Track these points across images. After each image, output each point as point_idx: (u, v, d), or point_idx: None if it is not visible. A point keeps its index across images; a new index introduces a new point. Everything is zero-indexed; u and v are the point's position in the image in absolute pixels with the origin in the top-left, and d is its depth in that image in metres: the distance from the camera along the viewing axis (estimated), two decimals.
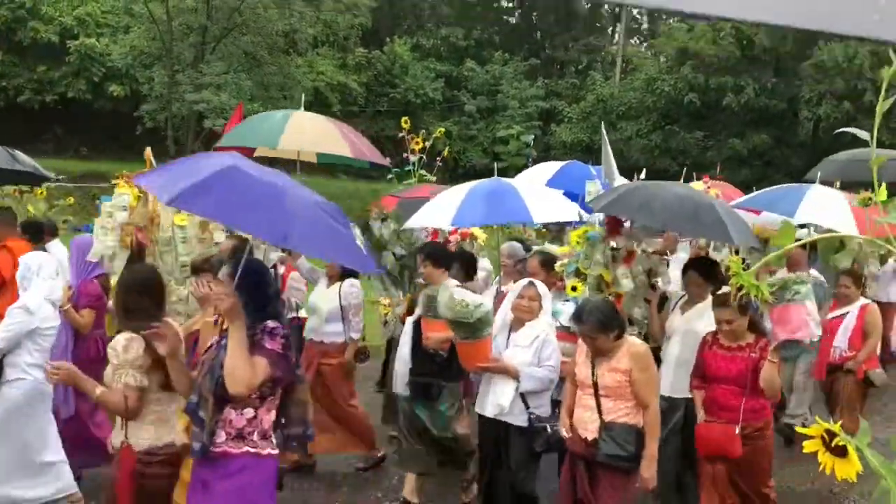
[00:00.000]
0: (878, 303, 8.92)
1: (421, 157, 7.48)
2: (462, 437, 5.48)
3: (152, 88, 27.25)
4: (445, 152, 8.31)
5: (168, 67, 26.94)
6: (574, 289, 5.24)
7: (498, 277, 7.04)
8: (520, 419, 4.72)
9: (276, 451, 3.50)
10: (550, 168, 8.91)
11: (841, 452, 1.56)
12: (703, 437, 4.73)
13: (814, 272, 7.36)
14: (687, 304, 5.49)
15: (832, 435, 1.55)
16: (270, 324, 3.38)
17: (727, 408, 4.62)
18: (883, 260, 9.05)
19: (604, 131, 6.75)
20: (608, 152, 6.13)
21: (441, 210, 6.33)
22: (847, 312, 6.89)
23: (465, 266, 6.30)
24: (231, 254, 5.76)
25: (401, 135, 7.77)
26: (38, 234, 6.61)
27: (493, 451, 4.90)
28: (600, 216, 5.46)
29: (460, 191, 6.46)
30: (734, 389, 4.61)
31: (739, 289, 1.78)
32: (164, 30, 26.53)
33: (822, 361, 7.05)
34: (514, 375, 4.68)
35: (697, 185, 10.04)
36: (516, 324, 4.86)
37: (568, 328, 5.09)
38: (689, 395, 5.02)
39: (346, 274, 6.16)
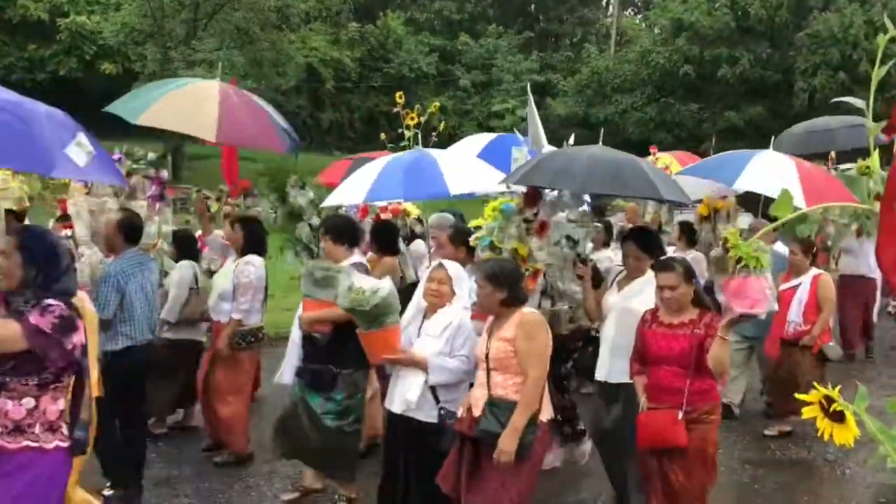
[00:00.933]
0: (855, 276, 8.88)
1: (416, 133, 7.43)
2: (351, 434, 4.99)
3: (145, 66, 27.03)
4: (441, 127, 8.28)
5: (160, 44, 26.69)
6: None
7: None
8: (429, 415, 4.24)
9: (66, 444, 3.12)
10: (482, 140, 8.65)
11: (839, 418, 1.59)
12: (644, 427, 4.24)
13: (779, 244, 7.09)
14: (625, 280, 4.98)
15: (830, 401, 1.57)
16: (49, 301, 3.03)
17: (670, 391, 4.16)
18: (860, 232, 8.70)
19: (530, 95, 6.22)
20: (535, 118, 5.79)
21: (356, 185, 5.92)
22: (799, 284, 6.62)
23: (383, 240, 5.96)
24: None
25: (395, 110, 7.72)
26: None
27: (401, 450, 4.42)
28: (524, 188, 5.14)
29: (379, 164, 6.06)
30: (677, 371, 4.14)
31: (738, 260, 1.79)
32: (155, 6, 26.25)
33: (774, 337, 6.70)
34: (423, 367, 4.21)
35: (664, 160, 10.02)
36: (429, 311, 4.38)
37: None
38: (628, 381, 4.54)
39: (247, 250, 5.67)
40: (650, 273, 4.46)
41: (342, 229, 5.19)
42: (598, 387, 5.10)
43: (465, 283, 4.40)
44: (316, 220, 6.07)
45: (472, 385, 4.23)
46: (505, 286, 3.97)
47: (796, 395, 5.48)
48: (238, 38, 27.98)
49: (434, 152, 6.19)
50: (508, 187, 5.26)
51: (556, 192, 5.25)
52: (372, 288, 4.22)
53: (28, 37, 28.80)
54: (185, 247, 6.27)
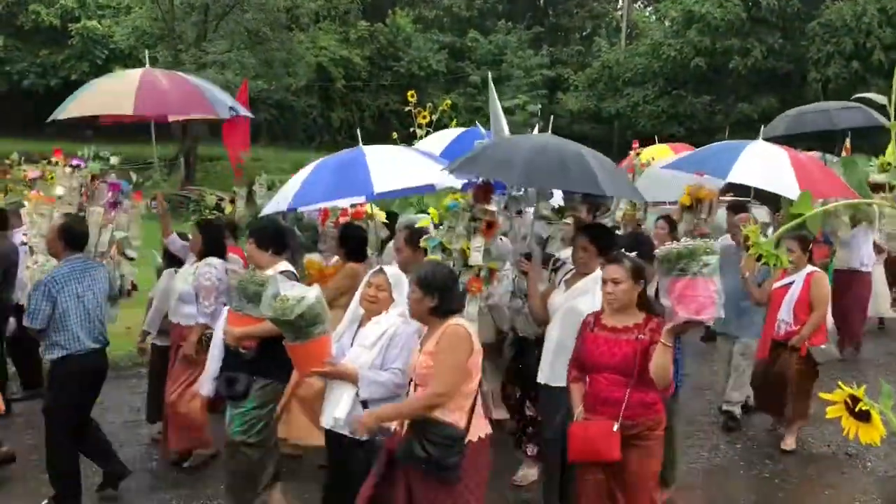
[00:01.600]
0: (848, 270, 8.64)
1: (428, 131, 7.41)
2: (254, 448, 4.61)
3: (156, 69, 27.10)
4: (452, 125, 8.26)
5: (171, 47, 26.77)
6: None
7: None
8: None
9: None
10: (449, 135, 8.66)
11: (864, 417, 1.57)
12: (576, 438, 3.86)
13: (727, 237, 6.89)
14: (574, 278, 4.69)
15: (856, 400, 1.55)
16: None
17: (609, 401, 3.79)
18: (854, 222, 8.54)
19: (491, 84, 5.88)
20: (496, 108, 5.51)
21: (285, 191, 5.64)
22: (792, 282, 6.30)
23: (350, 245, 5.73)
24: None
25: (407, 108, 7.70)
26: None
27: (333, 469, 4.16)
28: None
29: (311, 166, 5.75)
30: (617, 379, 3.79)
31: (758, 258, 1.77)
32: (165, 9, 26.34)
33: (765, 337, 6.43)
34: (353, 380, 3.90)
35: (656, 152, 9.51)
36: (366, 319, 4.09)
37: None
38: None
39: (206, 253, 5.54)
40: (599, 272, 4.14)
41: (265, 234, 4.90)
42: (541, 391, 4.82)
43: (404, 290, 4.00)
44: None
45: None
46: (436, 293, 3.68)
47: (801, 399, 5.79)
48: (248, 39, 28.04)
49: (369, 149, 5.67)
50: (464, 185, 5.00)
51: (524, 189, 5.12)
52: (297, 296, 3.94)
53: (40, 42, 28.98)
54: (171, 255, 6.13)
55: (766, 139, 6.94)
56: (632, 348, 3.77)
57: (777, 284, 6.37)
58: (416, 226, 5.11)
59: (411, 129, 7.39)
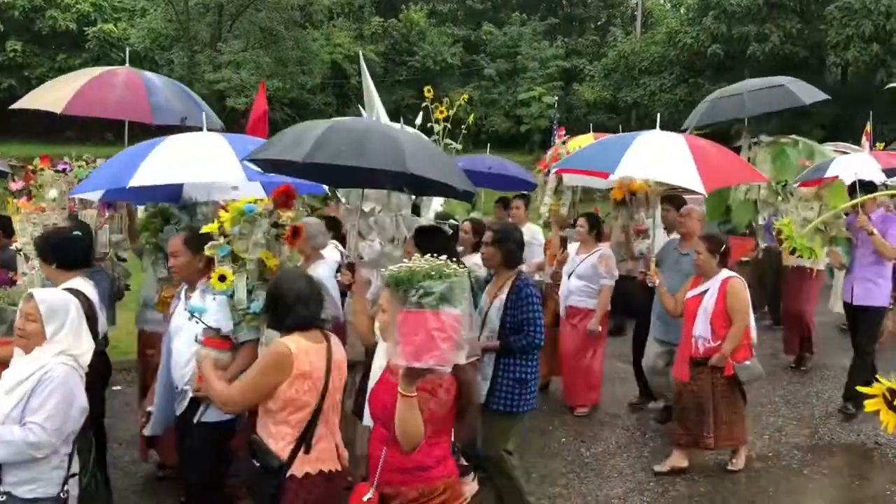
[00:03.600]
0: (798, 269, 7.87)
1: (445, 127, 7.38)
2: None
3: (172, 70, 27.29)
4: (470, 119, 8.22)
5: (186, 48, 26.96)
6: (222, 278, 3.93)
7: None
8: None
9: None
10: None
11: None
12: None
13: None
14: None
15: (894, 393, 1.52)
16: None
17: (372, 459, 3.07)
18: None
19: (362, 62, 5.38)
20: (369, 88, 4.98)
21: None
22: (706, 290, 5.56)
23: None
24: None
25: (424, 104, 7.66)
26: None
27: None
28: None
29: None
30: (380, 433, 3.05)
31: (792, 251, 1.73)
32: (180, 10, 26.50)
33: (683, 355, 5.71)
34: None
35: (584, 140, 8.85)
36: (18, 357, 3.42)
37: (218, 330, 3.90)
38: None
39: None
40: None
41: (45, 245, 4.27)
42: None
43: (64, 317, 3.36)
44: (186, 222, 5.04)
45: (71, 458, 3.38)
46: (275, 308, 3.41)
47: (735, 423, 4.99)
48: (262, 38, 28.14)
49: (175, 138, 4.78)
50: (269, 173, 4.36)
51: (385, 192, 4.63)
52: None
53: (58, 47, 29.23)
54: None
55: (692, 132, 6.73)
56: (392, 395, 2.87)
57: (690, 293, 5.67)
58: (203, 230, 4.17)
59: (428, 125, 7.36)
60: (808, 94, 8.64)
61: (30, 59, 28.82)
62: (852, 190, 6.35)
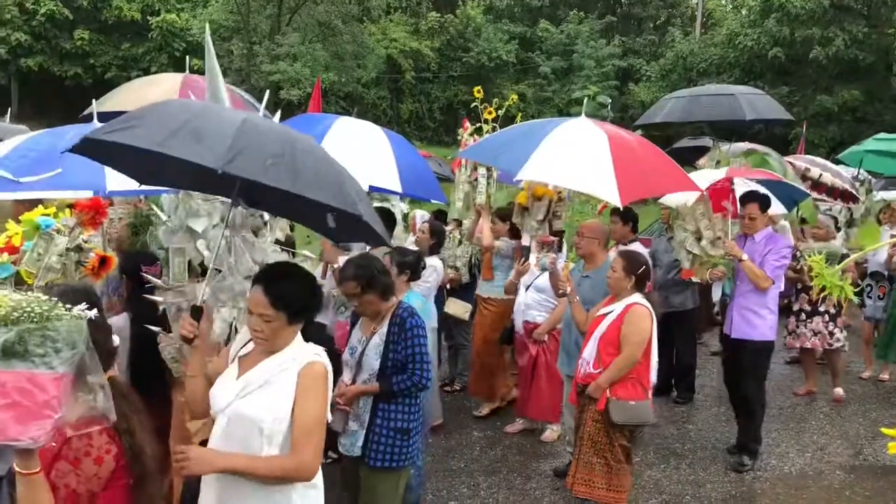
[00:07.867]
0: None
1: (494, 126, 7.40)
2: None
3: (231, 61, 27.80)
4: (518, 118, 8.23)
5: (245, 40, 27.41)
6: None
7: None
8: None
9: None
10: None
11: None
12: None
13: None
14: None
15: None
16: None
17: None
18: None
19: (208, 38, 4.03)
20: (213, 69, 3.93)
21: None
22: (611, 311, 4.75)
23: None
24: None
25: (473, 104, 7.71)
26: None
27: None
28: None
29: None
30: None
31: (822, 290, 1.70)
32: (241, 2, 26.95)
33: (575, 378, 4.93)
34: None
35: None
36: None
37: None
38: None
39: None
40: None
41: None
42: None
43: None
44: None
45: None
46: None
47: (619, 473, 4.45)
48: (320, 31, 28.47)
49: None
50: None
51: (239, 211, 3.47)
52: None
53: (122, 36, 30.04)
54: None
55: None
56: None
57: (600, 311, 4.87)
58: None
59: (476, 125, 7.40)
60: (760, 110, 8.06)
61: (95, 47, 29.67)
62: (745, 199, 5.83)
